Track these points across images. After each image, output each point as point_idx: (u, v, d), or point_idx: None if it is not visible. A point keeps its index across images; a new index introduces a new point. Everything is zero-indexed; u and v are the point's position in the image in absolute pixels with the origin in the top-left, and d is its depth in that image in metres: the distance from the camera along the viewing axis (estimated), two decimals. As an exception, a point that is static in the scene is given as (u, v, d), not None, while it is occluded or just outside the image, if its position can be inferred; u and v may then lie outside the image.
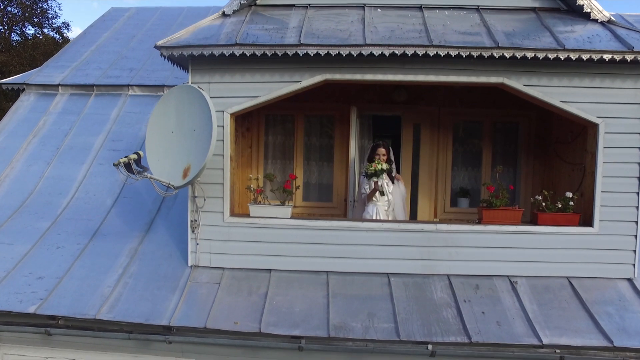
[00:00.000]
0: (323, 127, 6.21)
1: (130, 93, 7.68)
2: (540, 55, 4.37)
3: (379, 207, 5.09)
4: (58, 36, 35.17)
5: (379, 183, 5.00)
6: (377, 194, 5.06)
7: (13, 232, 5.48)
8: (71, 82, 7.81)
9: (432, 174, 6.05)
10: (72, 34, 41.07)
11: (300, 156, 6.15)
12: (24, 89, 7.85)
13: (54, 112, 7.44)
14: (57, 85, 7.75)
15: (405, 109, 5.99)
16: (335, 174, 6.08)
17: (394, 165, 5.49)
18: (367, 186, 5.21)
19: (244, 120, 5.96)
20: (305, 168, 6.23)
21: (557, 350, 4.05)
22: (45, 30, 34.78)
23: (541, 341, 4.04)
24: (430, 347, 4.03)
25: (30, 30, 33.23)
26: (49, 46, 33.14)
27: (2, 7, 32.79)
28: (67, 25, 35.65)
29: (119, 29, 9.71)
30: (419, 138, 6.03)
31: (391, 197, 5.16)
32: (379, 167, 4.92)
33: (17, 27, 32.82)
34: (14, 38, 31.44)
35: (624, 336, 4.12)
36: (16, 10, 33.60)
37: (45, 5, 33.67)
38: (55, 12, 39.23)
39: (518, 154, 6.22)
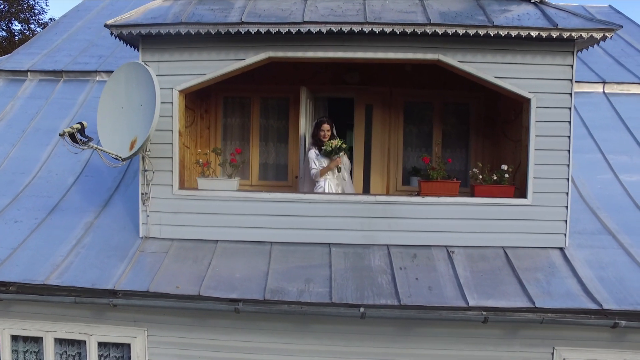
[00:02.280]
0: (279, 109, 6.39)
1: (98, 79, 7.83)
2: (471, 31, 4.57)
3: (331, 183, 5.28)
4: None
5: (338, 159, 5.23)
6: (335, 170, 5.28)
7: (-30, 211, 5.65)
8: (40, 68, 7.95)
9: (385, 154, 6.25)
10: (61, 30, 40.73)
11: (256, 137, 6.33)
12: (-7, 76, 8.00)
13: (22, 97, 7.59)
14: (26, 71, 7.90)
15: (357, 91, 6.18)
16: (290, 154, 6.27)
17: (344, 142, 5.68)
18: (317, 162, 5.40)
19: (202, 102, 6.14)
20: (262, 149, 6.42)
21: (484, 313, 4.25)
22: (32, 26, 34.78)
23: (468, 304, 4.25)
24: (361, 309, 4.22)
25: (17, 27, 33.23)
26: (38, 42, 33.07)
27: (-10, 4, 32.85)
28: (53, 21, 35.69)
29: (92, 19, 9.86)
30: (371, 119, 6.22)
31: (346, 174, 5.38)
32: (338, 144, 5.14)
33: (3, 22, 32.83)
34: (0, 34, 31.44)
35: (547, 299, 4.34)
36: (2, 6, 33.60)
37: (31, 1, 33.71)
38: (42, 8, 39.26)
39: (469, 134, 6.42)
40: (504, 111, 5.94)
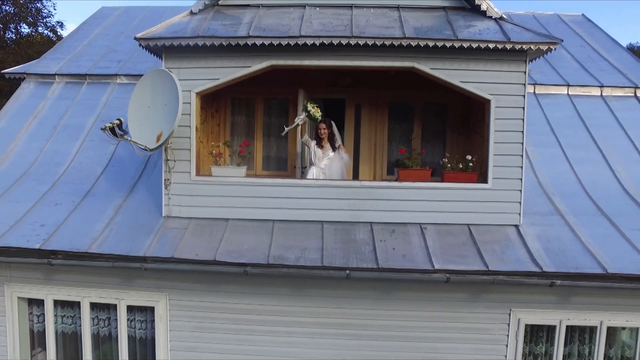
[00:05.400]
0: (280, 109, 7.34)
1: (118, 82, 8.79)
2: (439, 44, 5.52)
3: (317, 170, 6.23)
4: (52, 34, 36.19)
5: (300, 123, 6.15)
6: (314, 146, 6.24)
7: (19, 193, 6.61)
8: (66, 72, 8.91)
9: (372, 147, 7.20)
10: (66, 32, 41.83)
11: (260, 133, 7.29)
12: (24, 78, 8.95)
13: (51, 98, 8.55)
14: (54, 75, 8.86)
15: (348, 92, 7.13)
16: (290, 147, 7.22)
17: (338, 137, 6.63)
18: (314, 153, 6.37)
19: (213, 103, 7.08)
20: (264, 143, 7.38)
21: (447, 275, 5.21)
22: (40, 29, 35.78)
23: (434, 267, 5.21)
24: (347, 272, 5.18)
25: (25, 29, 34.21)
26: (44, 45, 34.16)
27: (-2, 6, 33.81)
28: (61, 24, 36.67)
29: (109, 26, 10.82)
30: (360, 117, 7.18)
31: (324, 159, 6.32)
32: (309, 109, 6.05)
33: (12, 25, 33.81)
34: (8, 36, 32.41)
35: (499, 264, 5.29)
36: (11, 9, 34.62)
37: (39, 5, 34.70)
38: (49, 11, 40.23)
39: (446, 130, 7.38)
40: (475, 111, 6.88)
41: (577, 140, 7.54)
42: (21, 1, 34.07)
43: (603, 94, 8.35)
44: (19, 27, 34.62)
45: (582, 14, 11.35)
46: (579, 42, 9.99)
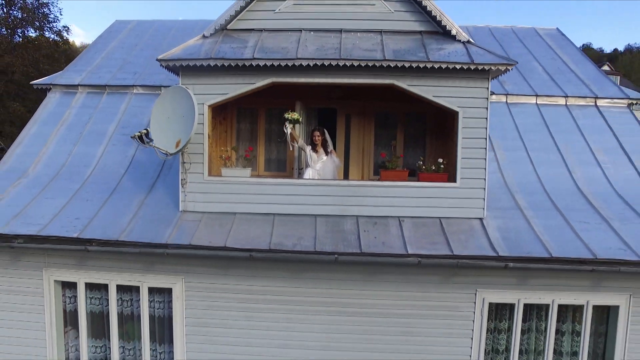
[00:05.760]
0: (279, 118, 8.32)
1: (134, 92, 9.82)
2: (414, 65, 6.55)
3: (312, 171, 7.27)
4: (58, 38, 37.26)
5: (288, 132, 7.07)
6: (309, 151, 7.24)
7: (54, 191, 7.65)
8: (88, 83, 9.94)
9: (360, 151, 8.23)
10: (72, 36, 42.56)
11: (262, 139, 8.33)
12: (50, 89, 9.99)
13: (75, 106, 9.58)
14: (77, 86, 9.89)
15: (339, 104, 8.16)
16: (288, 151, 8.24)
17: (330, 143, 7.66)
18: (309, 156, 7.40)
19: (221, 112, 8.10)
20: (266, 147, 8.41)
21: (419, 259, 6.24)
22: (46, 33, 36.85)
23: (407, 252, 6.24)
24: (336, 256, 6.22)
25: (32, 34, 35.28)
26: (50, 48, 35.25)
27: (6, 11, 34.87)
28: (67, 28, 37.78)
29: (123, 39, 11.85)
30: (350, 125, 8.20)
31: (318, 162, 7.34)
32: (292, 116, 7.04)
33: (20, 30, 34.87)
34: (16, 40, 33.46)
35: (463, 250, 6.33)
36: (19, 14, 35.70)
37: (46, 10, 35.80)
38: (55, 16, 41.30)
39: (425, 136, 8.41)
40: (449, 120, 7.91)
41: (541, 145, 8.57)
42: (29, 7, 35.19)
43: (567, 103, 9.39)
44: (25, 32, 35.72)
45: (557, 28, 12.39)
46: (551, 55, 11.02)
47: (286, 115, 6.95)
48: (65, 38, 38.59)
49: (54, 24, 37.35)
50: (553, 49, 11.26)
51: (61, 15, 53.06)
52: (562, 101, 9.42)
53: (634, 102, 9.69)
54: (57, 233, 6.58)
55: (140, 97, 9.69)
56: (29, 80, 33.14)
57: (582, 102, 9.38)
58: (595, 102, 9.38)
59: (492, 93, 9.27)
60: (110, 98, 9.71)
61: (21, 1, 35.36)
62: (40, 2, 35.95)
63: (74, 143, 8.72)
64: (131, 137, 6.38)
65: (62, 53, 37.18)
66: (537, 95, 9.46)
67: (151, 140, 6.46)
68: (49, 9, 36.60)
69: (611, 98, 9.38)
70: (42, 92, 31.18)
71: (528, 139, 8.66)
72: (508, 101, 9.39)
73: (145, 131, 6.35)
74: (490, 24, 12.70)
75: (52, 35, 36.59)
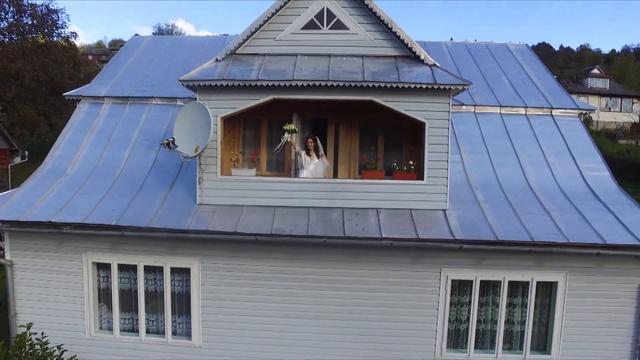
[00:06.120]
0: (279, 126, 9.84)
1: (153, 102, 11.33)
2: (388, 85, 8.08)
3: (306, 172, 8.80)
4: (66, 44, 38.81)
5: (287, 140, 8.55)
6: (304, 155, 8.75)
7: (90, 188, 9.16)
8: (112, 95, 11.45)
9: (347, 155, 9.75)
10: (79, 42, 44.26)
11: (264, 144, 9.85)
12: (80, 100, 11.50)
13: (102, 115, 11.10)
14: (103, 97, 11.40)
15: (329, 114, 9.67)
16: (286, 155, 9.76)
17: (321, 148, 9.17)
18: (304, 160, 8.92)
19: (230, 122, 9.61)
20: (268, 152, 9.93)
21: (391, 242, 7.77)
22: (55, 39, 38.41)
23: (382, 235, 7.77)
24: (324, 239, 7.74)
25: (41, 40, 36.82)
26: (59, 53, 36.82)
27: (17, 18, 36.44)
28: (75, 34, 39.32)
29: (141, 54, 13.37)
30: (339, 132, 9.72)
31: (311, 164, 8.84)
32: (290, 127, 8.55)
33: (30, 36, 36.44)
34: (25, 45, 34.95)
35: (427, 234, 7.84)
36: (30, 21, 37.28)
37: (55, 17, 37.37)
38: (64, 22, 42.84)
39: (402, 142, 9.92)
40: (420, 129, 9.42)
41: (501, 149, 10.09)
42: (38, 13, 36.75)
43: (527, 113, 10.91)
44: (34, 37, 37.28)
45: (526, 44, 13.92)
46: (518, 69, 12.55)
47: (285, 127, 8.47)
48: (72, 43, 40.19)
49: (62, 29, 38.92)
50: (520, 64, 12.78)
51: (69, 21, 54.49)
52: (522, 111, 10.94)
53: (584, 112, 11.17)
54: (98, 221, 8.10)
55: (159, 107, 11.19)
56: (39, 85, 34.79)
57: (539, 112, 10.90)
58: (551, 112, 10.90)
59: (462, 104, 10.86)
60: (133, 108, 11.22)
61: (30, 9, 36.99)
62: (49, 8, 37.59)
63: (103, 147, 10.23)
64: (160, 144, 7.92)
65: (70, 58, 38.77)
66: (501, 106, 10.97)
67: (176, 146, 7.99)
68: (57, 16, 38.24)
69: (565, 108, 10.90)
70: (51, 96, 33.07)
71: (490, 144, 10.17)
72: (476, 111, 10.91)
73: (171, 139, 7.88)
74: (469, 40, 14.25)
75: (60, 40, 38.17)
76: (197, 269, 8.59)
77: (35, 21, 36.53)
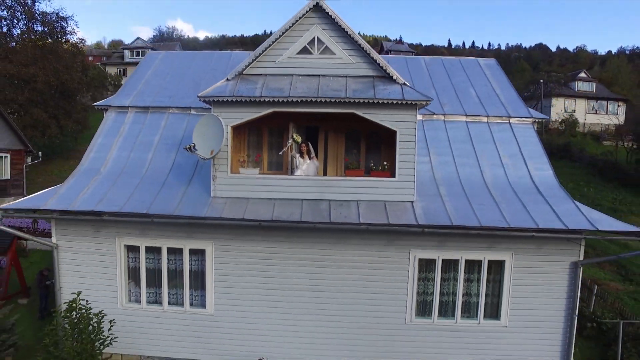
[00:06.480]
0: (278, 133, 11.84)
1: (170, 112, 13.28)
2: (365, 100, 10.03)
3: (300, 171, 10.76)
4: (74, 49, 40.69)
5: (291, 145, 10.59)
6: (298, 157, 10.73)
7: (120, 186, 11.09)
8: (135, 105, 13.39)
9: (335, 157, 11.70)
10: (86, 48, 46.14)
11: (266, 148, 11.80)
12: (107, 109, 13.44)
13: (128, 123, 13.04)
14: (127, 107, 13.35)
15: (320, 123, 11.63)
16: (284, 157, 11.71)
17: (312, 152, 11.13)
18: (299, 162, 10.88)
19: (237, 130, 11.56)
20: (269, 154, 11.88)
21: (367, 226, 9.72)
22: (64, 46, 40.31)
23: (360, 221, 9.73)
24: (314, 224, 9.70)
25: (47, 42, 38.68)
26: (69, 59, 38.73)
27: (29, 26, 38.38)
28: (83, 41, 41.24)
29: (158, 68, 15.32)
30: (328, 138, 11.68)
31: (304, 164, 10.81)
32: (297, 139, 10.53)
33: (40, 43, 38.32)
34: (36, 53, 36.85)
35: (396, 220, 9.79)
36: (39, 27, 39.21)
37: (64, 23, 39.29)
38: (72, 29, 44.76)
39: (381, 146, 11.88)
40: (394, 136, 11.37)
41: (464, 152, 12.05)
42: (48, 20, 38.68)
43: (488, 121, 12.87)
44: (45, 44, 39.19)
45: (494, 60, 15.90)
46: (485, 82, 14.51)
47: (294, 137, 10.44)
48: (81, 49, 42.06)
49: (71, 35, 40.84)
50: (487, 77, 14.74)
51: (77, 28, 56.49)
52: (485, 119, 12.89)
53: (536, 120, 13.11)
54: (132, 210, 10.05)
55: (175, 115, 13.15)
56: (50, 89, 36.67)
57: (499, 120, 12.86)
58: (509, 120, 12.86)
59: (434, 113, 12.83)
60: (153, 116, 13.17)
61: (41, 16, 38.91)
62: (58, 16, 39.50)
63: (130, 150, 12.18)
64: (184, 148, 9.88)
65: (80, 63, 40.65)
66: (466, 115, 12.93)
67: (196, 150, 9.95)
68: (66, 22, 40.16)
69: (520, 117, 12.87)
70: (61, 100, 35.15)
71: (455, 147, 12.13)
72: (445, 119, 12.87)
73: (192, 144, 9.84)
74: (444, 57, 16.19)
75: (70, 46, 40.05)
76: (211, 250, 10.55)
77: (46, 28, 38.46)
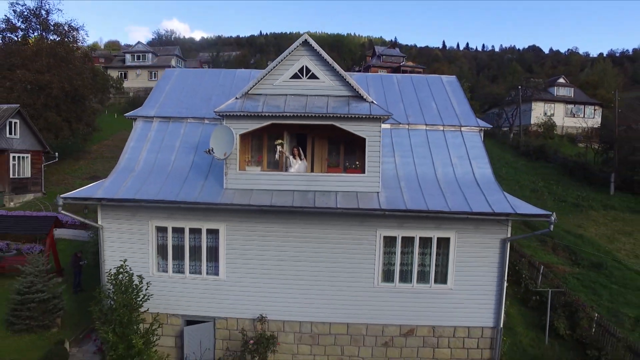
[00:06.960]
0: (275, 139, 14.96)
1: (188, 121, 16.42)
2: (342, 115, 13.18)
3: (292, 169, 13.92)
4: (85, 57, 43.65)
5: (280, 149, 13.78)
6: (291, 158, 13.90)
7: (151, 181, 14.20)
8: (158, 115, 16.52)
9: (320, 158, 14.85)
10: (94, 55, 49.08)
11: (265, 150, 14.95)
12: (136, 119, 16.55)
13: (153, 130, 16.16)
14: (152, 117, 16.48)
15: (308, 131, 14.78)
16: (280, 159, 14.84)
17: (302, 154, 14.27)
18: (292, 162, 14.03)
19: (243, 137, 14.68)
20: (268, 156, 15.03)
21: (343, 210, 12.88)
22: (75, 53, 43.28)
23: (337, 206, 12.89)
24: (303, 209, 12.85)
25: (64, 54, 41.68)
26: (81, 67, 41.74)
27: (43, 35, 41.38)
28: (93, 50, 44.27)
29: (174, 83, 18.44)
30: (314, 143, 14.85)
31: (296, 164, 13.98)
32: (278, 142, 13.69)
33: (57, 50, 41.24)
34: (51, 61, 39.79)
35: (365, 205, 12.94)
36: (51, 36, 42.18)
37: (75, 33, 42.29)
38: (83, 38, 47.79)
39: (356, 150, 15.03)
40: (364, 142, 14.53)
41: (422, 154, 15.22)
42: (62, 30, 41.68)
43: (444, 129, 16.05)
44: (57, 52, 42.18)
45: (455, 77, 19.12)
46: (445, 97, 17.70)
47: (275, 142, 13.61)
48: (91, 57, 45.10)
49: (82, 44, 43.81)
50: (447, 93, 17.93)
51: (87, 36, 59.42)
52: (441, 128, 16.08)
53: (482, 128, 16.27)
54: (164, 197, 13.18)
55: (192, 124, 16.27)
56: (65, 94, 39.73)
57: (452, 128, 16.05)
58: (460, 128, 16.05)
59: (399, 123, 16.02)
60: (174, 125, 16.30)
61: (54, 27, 41.88)
62: (70, 26, 42.47)
63: (156, 152, 15.30)
64: (204, 151, 13.03)
65: (90, 70, 43.66)
66: (426, 124, 16.11)
67: (213, 152, 13.09)
68: (77, 32, 43.14)
69: (470, 126, 16.06)
70: (72, 104, 38.75)
71: (416, 151, 15.31)
72: (409, 128, 16.05)
73: (211, 148, 12.99)
74: (414, 75, 19.33)
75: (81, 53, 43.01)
76: (223, 230, 13.68)
77: (59, 38, 41.44)
